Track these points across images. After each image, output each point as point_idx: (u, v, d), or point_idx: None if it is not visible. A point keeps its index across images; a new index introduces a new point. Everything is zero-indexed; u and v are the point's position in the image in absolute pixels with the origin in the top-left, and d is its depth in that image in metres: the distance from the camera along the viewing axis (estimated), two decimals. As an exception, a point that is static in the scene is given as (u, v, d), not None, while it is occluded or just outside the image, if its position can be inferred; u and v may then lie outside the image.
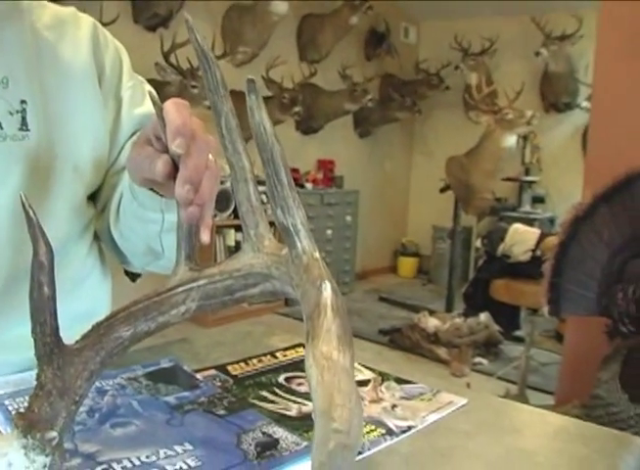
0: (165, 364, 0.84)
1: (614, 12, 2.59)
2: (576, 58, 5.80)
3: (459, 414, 0.80)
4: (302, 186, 5.29)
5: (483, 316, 4.19)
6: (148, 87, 1.07)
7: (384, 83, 6.58)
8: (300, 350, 1.00)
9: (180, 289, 0.59)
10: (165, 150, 0.67)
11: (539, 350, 4.12)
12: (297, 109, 4.81)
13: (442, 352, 4.15)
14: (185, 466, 0.59)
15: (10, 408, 0.71)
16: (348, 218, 5.74)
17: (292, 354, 0.98)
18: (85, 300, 0.96)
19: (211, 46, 4.33)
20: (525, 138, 5.85)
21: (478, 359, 4.14)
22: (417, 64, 6.82)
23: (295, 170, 5.26)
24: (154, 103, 0.66)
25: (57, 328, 0.54)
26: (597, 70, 2.72)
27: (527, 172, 6.10)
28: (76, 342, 0.57)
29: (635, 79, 2.53)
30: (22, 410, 0.54)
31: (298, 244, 0.45)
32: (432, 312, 4.67)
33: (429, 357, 4.18)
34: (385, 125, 6.56)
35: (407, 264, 7.00)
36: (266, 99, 4.92)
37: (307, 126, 5.67)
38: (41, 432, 0.52)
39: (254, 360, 0.94)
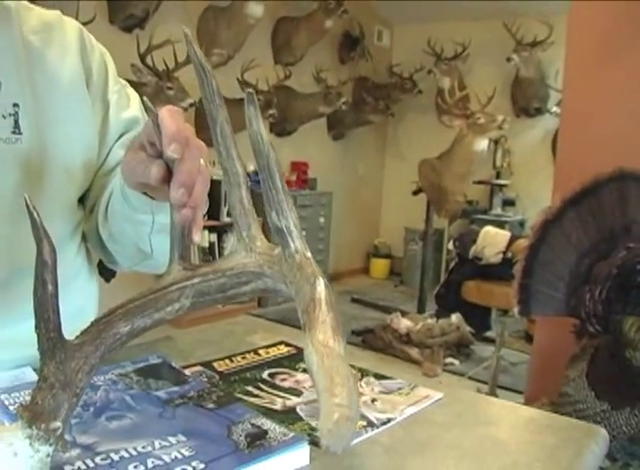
0: (154, 361, 0.87)
1: (583, 17, 2.66)
2: (547, 64, 5.90)
3: (435, 408, 0.84)
4: (281, 188, 5.33)
5: (455, 317, 4.25)
6: (131, 91, 1.10)
7: (357, 86, 6.64)
8: (282, 347, 1.04)
9: (175, 287, 0.62)
10: (158, 155, 0.70)
11: (509, 350, 4.20)
12: (271, 111, 4.85)
13: (414, 352, 4.20)
14: (180, 456, 0.62)
15: (6, 403, 0.73)
16: (322, 220, 5.78)
17: (274, 352, 1.01)
18: (74, 298, 0.98)
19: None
20: (496, 142, 5.95)
21: (449, 360, 4.20)
22: (390, 67, 6.88)
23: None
24: (148, 110, 0.69)
25: (59, 324, 0.57)
26: (566, 75, 2.79)
27: (498, 176, 6.20)
28: (76, 337, 0.60)
29: (604, 85, 2.59)
30: (23, 403, 0.57)
31: (292, 244, 0.49)
32: (404, 313, 4.72)
33: (401, 358, 4.23)
34: (358, 128, 6.62)
35: (379, 266, 7.05)
36: (241, 101, 4.93)
37: (281, 129, 5.71)
38: (45, 423, 0.55)
39: (238, 357, 0.97)
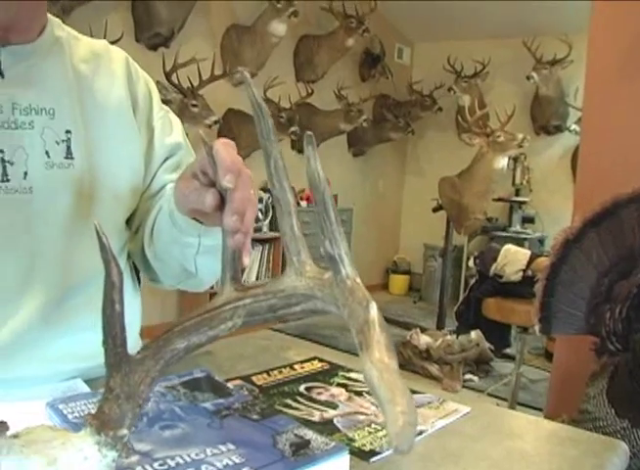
0: (198, 374, 0.93)
1: (603, 35, 2.69)
2: (566, 82, 5.94)
3: (464, 421, 0.89)
4: (298, 204, 5.37)
5: (474, 334, 4.27)
6: (173, 117, 1.16)
7: (377, 103, 6.71)
8: (316, 362, 1.09)
9: (228, 307, 0.67)
10: (210, 184, 0.76)
11: (528, 367, 4.22)
12: (293, 128, 4.91)
13: (434, 368, 4.23)
14: (231, 462, 0.67)
15: (64, 412, 0.79)
16: (342, 236, 5.81)
17: (308, 367, 1.06)
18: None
19: (212, 66, 4.45)
20: (515, 160, 5.98)
21: (468, 376, 4.23)
22: (410, 85, 6.94)
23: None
24: (204, 142, 0.74)
25: (125, 340, 0.62)
26: (587, 94, 2.82)
27: (518, 193, 6.23)
28: (138, 352, 0.65)
29: (624, 104, 2.63)
30: (91, 412, 0.63)
31: (343, 270, 0.55)
32: (423, 330, 4.75)
33: (421, 374, 4.26)
34: (378, 145, 6.68)
35: (398, 282, 7.09)
36: (264, 118, 5.02)
37: (302, 145, 5.77)
38: (113, 430, 0.60)
39: (275, 372, 1.02)
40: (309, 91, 5.41)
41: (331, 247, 0.55)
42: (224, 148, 0.72)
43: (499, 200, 6.01)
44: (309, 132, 0.56)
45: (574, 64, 5.47)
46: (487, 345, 4.26)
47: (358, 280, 0.54)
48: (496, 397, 3.90)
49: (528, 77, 5.85)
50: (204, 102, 4.35)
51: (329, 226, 0.55)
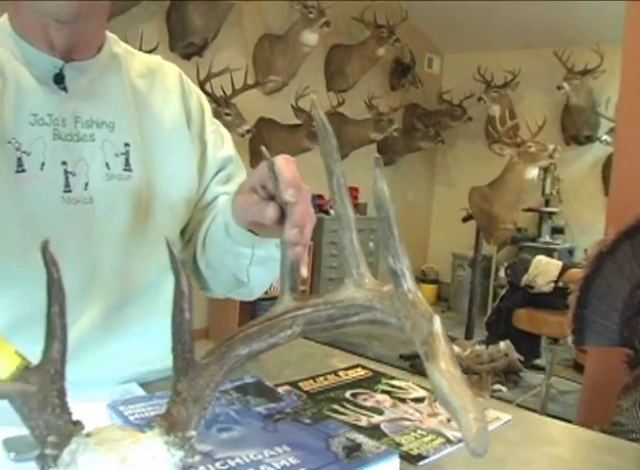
0: (249, 380, 0.96)
1: (638, 46, 2.69)
2: (598, 92, 5.92)
3: (505, 428, 0.92)
4: (327, 213, 5.41)
5: (503, 344, 4.27)
6: (224, 130, 1.20)
7: (407, 113, 6.73)
8: (359, 370, 1.12)
9: (288, 315, 0.71)
10: (269, 197, 0.80)
11: (558, 378, 4.21)
12: (324, 137, 4.94)
13: (461, 379, 4.23)
14: (288, 464, 0.70)
15: (125, 413, 0.83)
16: (371, 245, 5.85)
17: (352, 374, 1.09)
18: (175, 321, 1.08)
19: (244, 75, 4.51)
20: (545, 170, 5.97)
21: (497, 386, 4.22)
22: (440, 94, 6.96)
23: (320, 197, 5.39)
24: (265, 158, 0.78)
25: (193, 347, 0.66)
26: (621, 105, 2.82)
27: (548, 203, 6.21)
28: (203, 358, 0.69)
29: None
30: (151, 414, 0.66)
31: (405, 284, 0.58)
32: (451, 339, 4.73)
33: (449, 383, 4.25)
34: (408, 154, 6.70)
35: (427, 291, 7.09)
36: (295, 127, 5.07)
37: (333, 154, 5.82)
38: (182, 431, 0.64)
39: (321, 378, 1.06)
40: (340, 100, 5.45)
41: (394, 262, 0.58)
42: (286, 163, 0.76)
43: (529, 210, 6.00)
44: (378, 155, 0.60)
45: (606, 74, 5.46)
46: (516, 355, 4.26)
47: (419, 294, 0.57)
48: (525, 407, 3.88)
49: (559, 87, 5.84)
50: (236, 111, 4.41)
51: (392, 243, 0.58)
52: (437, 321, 0.52)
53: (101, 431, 0.65)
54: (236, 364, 0.70)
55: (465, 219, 5.39)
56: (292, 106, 5.04)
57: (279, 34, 5.23)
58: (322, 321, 0.69)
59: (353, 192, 5.96)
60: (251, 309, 4.81)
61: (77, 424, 0.63)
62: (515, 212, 5.14)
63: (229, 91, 4.46)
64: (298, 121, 5.04)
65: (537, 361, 4.25)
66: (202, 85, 4.39)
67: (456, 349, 4.43)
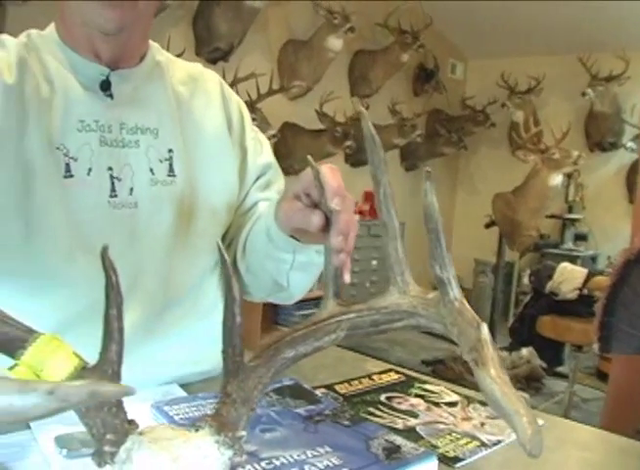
0: (287, 382, 0.99)
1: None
2: (623, 98, 5.90)
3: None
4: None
5: (526, 351, 4.26)
6: (263, 137, 1.23)
7: (430, 118, 6.73)
8: (392, 374, 1.14)
9: (332, 320, 0.73)
10: (312, 205, 0.82)
11: (580, 386, 4.19)
12: (348, 143, 4.97)
13: (484, 386, 4.23)
14: (331, 464, 0.73)
15: (170, 413, 0.86)
16: (392, 249, 5.84)
17: (386, 378, 1.12)
18: (216, 323, 1.11)
19: (270, 80, 4.55)
20: (569, 176, 5.94)
21: (519, 393, 4.21)
22: (463, 100, 6.95)
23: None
24: (311, 166, 0.80)
25: (242, 350, 0.69)
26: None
27: (571, 210, 6.18)
28: (251, 360, 0.71)
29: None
30: (209, 413, 0.69)
31: (451, 292, 0.60)
32: (474, 345, 4.74)
33: (471, 389, 4.25)
34: (431, 160, 6.70)
35: (447, 296, 7.07)
36: (319, 132, 5.10)
37: (357, 159, 5.83)
38: (232, 431, 0.66)
39: (356, 382, 1.08)
40: (364, 106, 5.46)
41: (440, 271, 0.60)
42: (331, 173, 0.78)
43: (552, 216, 5.98)
44: (428, 168, 0.62)
45: (632, 80, 5.45)
46: (539, 362, 4.25)
47: (464, 301, 0.59)
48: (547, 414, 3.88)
49: (584, 94, 5.82)
50: (262, 115, 4.45)
51: (440, 252, 0.60)
52: (485, 328, 0.54)
53: (153, 430, 0.67)
54: (282, 367, 0.73)
55: (488, 225, 5.39)
56: (316, 111, 5.06)
57: (304, 40, 5.26)
58: (365, 326, 0.72)
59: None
60: (273, 311, 4.85)
61: (132, 423, 0.65)
62: (538, 219, 5.13)
63: (254, 96, 4.50)
64: (322, 126, 5.06)
65: (560, 369, 4.24)
66: (227, 90, 4.43)
67: (478, 355, 4.44)
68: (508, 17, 5.91)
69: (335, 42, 5.06)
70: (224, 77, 4.39)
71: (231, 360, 0.68)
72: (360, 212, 5.65)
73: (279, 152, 4.90)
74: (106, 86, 1.02)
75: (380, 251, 5.65)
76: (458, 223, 7.33)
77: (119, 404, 0.64)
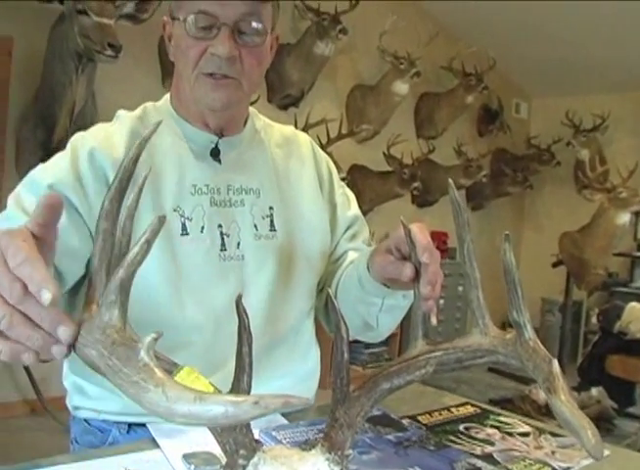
0: (377, 412, 1.11)
1: None
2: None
3: (605, 462, 1.03)
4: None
5: (596, 391, 4.26)
6: (349, 191, 1.38)
7: (495, 158, 6.80)
8: (469, 407, 1.25)
9: (422, 357, 0.86)
10: (402, 258, 0.96)
11: (653, 427, 4.17)
12: (415, 184, 5.09)
13: (554, 424, 4.23)
14: (422, 481, 0.85)
15: (278, 437, 0.99)
16: (460, 289, 5.91)
17: (463, 411, 1.23)
18: (311, 360, 1.25)
19: (339, 125, 4.72)
20: (637, 214, 5.92)
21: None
22: (528, 139, 7.00)
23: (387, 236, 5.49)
24: (404, 226, 0.94)
25: (349, 381, 0.81)
26: None
27: (640, 248, 6.16)
28: (354, 391, 0.84)
29: None
30: (320, 436, 0.82)
31: (526, 333, 0.72)
32: (542, 384, 4.74)
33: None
34: (496, 199, 6.75)
35: (515, 335, 7.06)
36: (387, 174, 5.24)
37: (423, 200, 5.95)
38: (340, 450, 0.79)
39: (436, 413, 1.20)
40: (430, 148, 5.60)
41: (517, 315, 0.73)
42: (420, 231, 0.92)
43: (620, 255, 5.96)
44: (507, 232, 0.74)
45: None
46: (610, 402, 4.24)
47: (538, 341, 0.72)
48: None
49: (650, 131, 5.83)
50: (332, 159, 4.60)
51: (516, 300, 0.73)
52: (556, 363, 0.67)
53: (272, 449, 0.80)
54: (380, 397, 0.85)
55: (555, 265, 5.41)
56: (383, 153, 5.21)
57: (371, 85, 5.44)
58: (451, 362, 0.84)
59: (443, 237, 6.04)
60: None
61: (257, 442, 0.78)
62: (606, 258, 5.14)
63: (324, 140, 4.67)
64: (390, 168, 5.20)
65: (631, 409, 4.22)
66: (299, 135, 4.61)
67: (547, 394, 4.44)
68: (571, 55, 5.97)
69: (401, 87, 5.22)
70: (295, 123, 4.62)
71: (339, 390, 0.81)
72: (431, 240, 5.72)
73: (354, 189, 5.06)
74: (216, 153, 1.18)
75: (447, 290, 5.73)
76: (525, 262, 7.32)
77: (248, 426, 0.77)
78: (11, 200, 1.07)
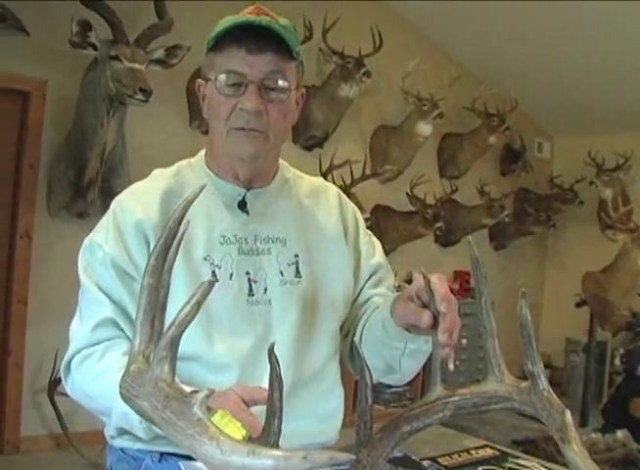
0: (398, 454, 1.15)
1: None
2: None
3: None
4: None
5: (621, 433, 4.22)
6: (375, 240, 1.43)
7: (518, 197, 6.82)
8: (488, 449, 1.29)
9: (440, 402, 0.90)
10: (422, 306, 1.01)
11: (680, 471, 4.11)
12: (439, 224, 5.13)
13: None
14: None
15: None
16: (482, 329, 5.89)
17: (482, 453, 1.27)
18: (335, 399, 1.30)
19: (363, 166, 4.80)
20: (661, 254, 5.91)
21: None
22: (551, 178, 6.99)
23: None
24: (424, 276, 0.99)
25: (372, 424, 0.86)
26: None
27: (665, 288, 6.11)
28: (376, 433, 0.89)
29: None
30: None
31: (541, 383, 0.77)
32: (566, 425, 4.70)
33: (561, 466, 4.22)
34: (519, 239, 6.76)
35: (539, 375, 7.00)
36: (410, 214, 5.29)
37: (446, 239, 5.97)
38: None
39: (456, 455, 1.24)
40: (453, 188, 5.64)
41: (532, 366, 0.78)
42: (439, 281, 0.98)
43: (644, 294, 5.93)
44: (524, 290, 0.80)
45: None
46: (635, 446, 4.20)
47: (551, 391, 0.76)
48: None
49: (674, 171, 5.82)
50: (356, 200, 4.68)
51: (531, 352, 0.78)
52: (568, 414, 0.71)
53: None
54: (401, 439, 0.90)
55: (578, 305, 5.40)
56: (407, 194, 5.26)
57: (394, 125, 5.52)
58: (468, 407, 0.89)
59: (466, 276, 6.03)
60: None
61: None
62: (630, 298, 5.13)
63: (348, 181, 4.74)
64: (413, 209, 5.26)
65: (657, 452, 4.17)
66: (324, 176, 4.70)
67: (571, 435, 4.41)
68: (593, 94, 6.01)
69: (424, 128, 5.29)
70: (320, 164, 4.69)
71: (363, 433, 0.86)
72: (450, 291, 5.73)
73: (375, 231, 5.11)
74: (243, 205, 1.25)
75: (469, 329, 5.72)
76: (548, 302, 7.30)
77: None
78: (83, 275, 1.19)
